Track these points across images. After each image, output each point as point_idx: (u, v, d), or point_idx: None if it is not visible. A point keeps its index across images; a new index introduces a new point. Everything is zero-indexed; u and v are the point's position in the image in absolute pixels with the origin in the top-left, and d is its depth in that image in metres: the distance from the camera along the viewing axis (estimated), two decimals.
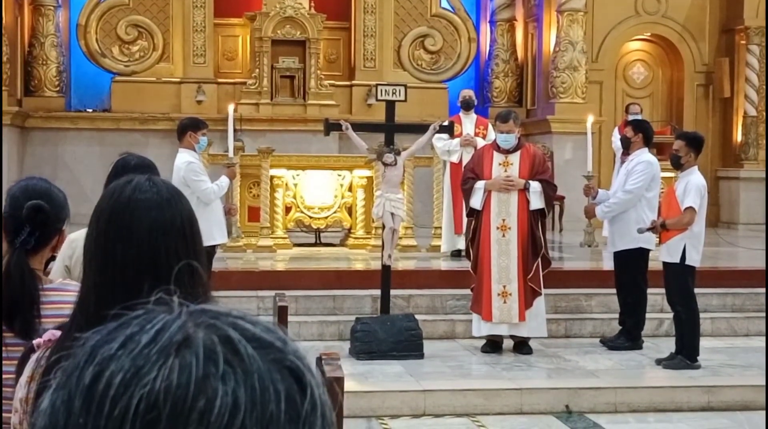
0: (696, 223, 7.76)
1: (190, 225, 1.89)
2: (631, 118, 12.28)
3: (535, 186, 8.12)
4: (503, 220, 8.15)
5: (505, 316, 8.15)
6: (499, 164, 8.21)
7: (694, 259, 7.79)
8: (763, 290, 9.29)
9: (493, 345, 8.35)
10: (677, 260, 7.74)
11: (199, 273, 1.91)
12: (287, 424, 0.69)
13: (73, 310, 1.93)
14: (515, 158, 8.23)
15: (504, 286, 8.14)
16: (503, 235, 8.14)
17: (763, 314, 9.27)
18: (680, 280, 7.78)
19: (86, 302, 1.86)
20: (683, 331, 7.86)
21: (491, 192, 8.19)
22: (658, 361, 7.96)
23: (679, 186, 7.85)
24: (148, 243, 1.83)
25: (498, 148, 8.29)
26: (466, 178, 8.40)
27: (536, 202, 8.13)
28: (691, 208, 7.68)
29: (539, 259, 8.13)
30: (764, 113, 15.44)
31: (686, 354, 7.82)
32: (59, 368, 0.74)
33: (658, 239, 8.18)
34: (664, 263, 7.91)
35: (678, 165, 7.90)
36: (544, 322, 8.33)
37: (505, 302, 8.14)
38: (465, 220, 10.92)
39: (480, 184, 8.20)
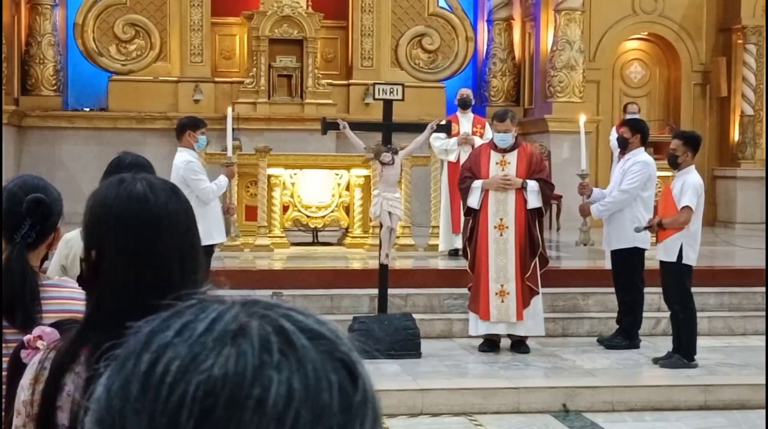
0: (693, 222, 7.76)
1: (193, 220, 1.92)
2: (628, 117, 12.28)
3: (532, 185, 8.11)
4: (501, 219, 8.15)
5: (502, 316, 8.15)
6: (497, 163, 8.20)
7: (690, 259, 7.79)
8: (760, 289, 9.30)
9: (490, 344, 8.35)
10: (674, 259, 7.75)
11: (200, 263, 1.94)
12: (339, 414, 0.70)
13: (86, 310, 1.93)
14: (512, 157, 8.21)
15: (502, 285, 8.13)
16: (501, 235, 8.14)
17: (760, 313, 9.28)
18: (677, 280, 7.79)
19: (108, 303, 1.86)
20: (680, 330, 7.87)
21: (488, 191, 8.17)
22: (656, 360, 7.97)
23: (675, 185, 7.85)
24: (180, 244, 1.86)
25: (495, 147, 8.27)
26: (464, 177, 8.39)
27: (534, 201, 8.13)
28: (687, 207, 7.68)
29: (537, 259, 8.12)
30: (761, 112, 15.45)
31: (683, 353, 7.83)
32: (110, 356, 0.75)
33: (654, 238, 8.18)
34: (661, 262, 7.91)
35: (675, 164, 7.90)
36: (542, 321, 8.33)
37: (502, 301, 8.14)
38: (463, 219, 10.94)
39: (477, 184, 8.19)
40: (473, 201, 8.21)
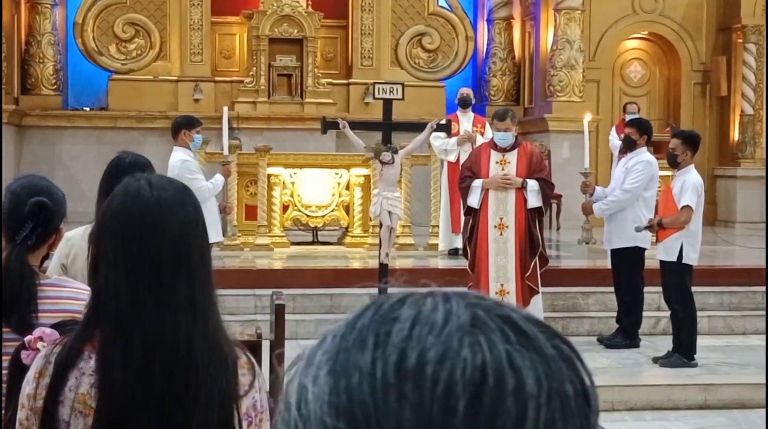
0: (693, 221, 7.76)
1: (202, 217, 1.98)
2: (628, 117, 12.28)
3: (532, 184, 8.08)
4: (501, 218, 8.12)
5: None
6: (497, 163, 8.16)
7: (691, 258, 7.79)
8: (760, 288, 9.30)
9: None
10: (674, 259, 7.74)
11: (211, 263, 1.98)
12: (578, 402, 0.71)
13: (89, 309, 1.95)
14: (512, 157, 8.18)
15: (501, 285, 8.11)
16: (501, 234, 8.11)
17: (760, 313, 9.28)
18: (677, 279, 7.79)
19: (115, 301, 1.88)
20: (680, 329, 7.87)
21: (488, 190, 8.15)
22: (655, 360, 7.97)
23: (675, 184, 7.84)
24: (180, 240, 1.90)
25: (495, 147, 8.24)
26: (464, 176, 8.37)
27: (534, 200, 8.09)
28: (687, 206, 7.67)
29: (537, 258, 8.11)
30: (761, 112, 15.45)
31: (683, 352, 7.83)
32: (296, 357, 0.74)
33: (655, 238, 8.18)
34: (661, 262, 7.91)
35: (675, 163, 7.90)
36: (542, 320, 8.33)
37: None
38: (462, 218, 10.94)
39: (477, 183, 8.16)
40: (473, 200, 8.20)
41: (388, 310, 0.73)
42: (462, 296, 0.74)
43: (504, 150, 8.17)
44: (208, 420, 1.89)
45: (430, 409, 0.68)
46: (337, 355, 0.72)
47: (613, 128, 12.98)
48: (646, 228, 8.01)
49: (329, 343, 0.73)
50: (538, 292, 8.18)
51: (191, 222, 1.92)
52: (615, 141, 12.61)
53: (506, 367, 0.69)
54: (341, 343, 0.72)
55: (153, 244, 1.88)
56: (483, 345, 0.69)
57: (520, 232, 8.08)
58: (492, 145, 8.33)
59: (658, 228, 7.81)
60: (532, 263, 8.10)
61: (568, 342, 0.74)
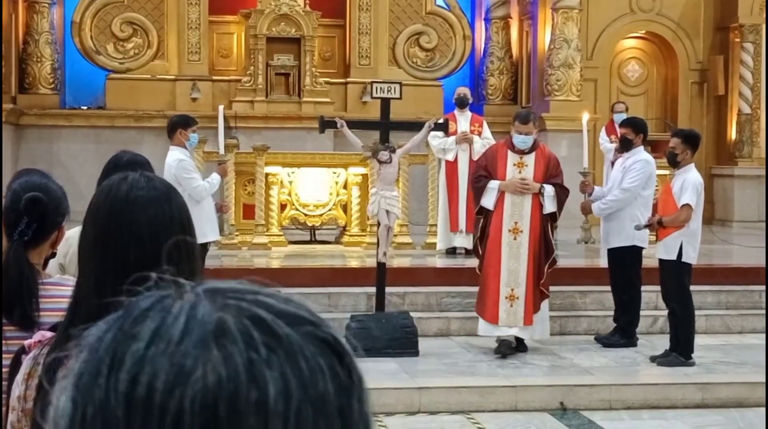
0: (693, 220, 7.76)
1: (187, 219, 1.93)
2: (616, 116, 12.29)
3: (549, 190, 7.95)
4: (516, 222, 7.98)
5: (511, 320, 7.99)
6: (514, 165, 8.00)
7: (690, 257, 7.79)
8: (758, 287, 9.32)
9: (505, 346, 8.06)
10: (674, 257, 7.75)
11: (198, 264, 1.95)
12: (337, 398, 0.67)
13: (69, 305, 1.94)
14: (530, 160, 8.02)
15: (512, 289, 7.98)
16: (515, 238, 7.97)
17: (757, 311, 9.30)
18: (676, 278, 7.79)
19: (87, 298, 1.88)
20: (678, 328, 7.87)
21: (504, 193, 8.00)
22: (653, 359, 7.97)
23: (675, 183, 7.85)
24: (149, 238, 1.87)
25: (513, 148, 8.06)
26: (478, 175, 8.19)
27: (550, 206, 7.97)
28: (687, 205, 7.68)
29: (552, 261, 8.08)
30: (759, 111, 15.47)
31: (681, 351, 7.83)
32: (64, 369, 0.70)
33: (655, 237, 8.18)
34: (660, 260, 7.92)
35: (674, 162, 7.90)
36: (548, 324, 8.28)
37: (511, 306, 7.98)
38: (460, 217, 10.94)
39: (494, 184, 7.98)
40: (488, 201, 8.02)
41: (131, 324, 0.67)
42: (216, 294, 0.68)
43: (522, 152, 8.02)
44: None
45: None
46: (79, 377, 0.67)
47: (603, 130, 12.92)
48: (645, 226, 8.02)
49: (81, 357, 0.68)
50: (548, 296, 8.16)
51: (164, 221, 1.89)
52: (606, 144, 12.59)
53: (244, 383, 0.63)
54: (84, 365, 0.67)
55: (120, 240, 1.87)
56: (218, 362, 0.63)
57: (534, 238, 7.98)
58: (509, 145, 8.14)
59: (658, 226, 7.81)
60: (546, 269, 8.01)
61: (334, 334, 0.69)
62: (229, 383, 0.63)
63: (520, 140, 8.01)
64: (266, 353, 0.65)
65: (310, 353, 0.66)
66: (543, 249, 7.97)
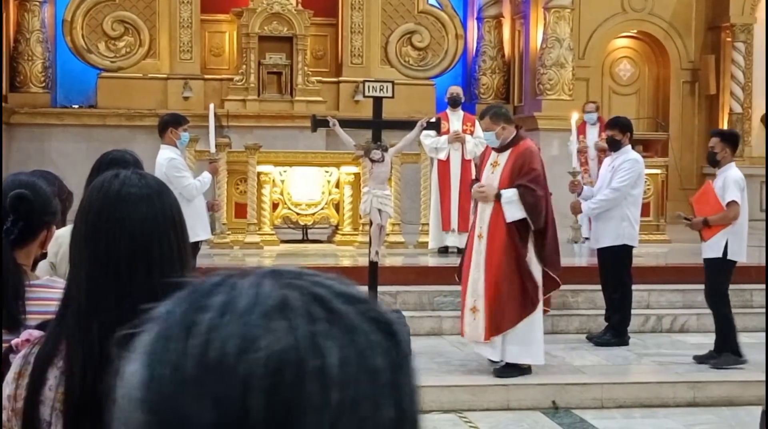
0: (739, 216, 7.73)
1: (178, 216, 1.94)
2: (587, 116, 12.34)
3: (508, 196, 7.19)
4: (481, 228, 7.45)
5: (473, 334, 7.46)
6: (491, 164, 7.55)
7: (736, 253, 7.72)
8: (749, 286, 9.34)
9: (497, 370, 7.48)
10: (719, 255, 7.69)
11: (189, 261, 1.95)
12: (389, 373, 0.71)
13: (60, 303, 1.94)
14: (504, 158, 7.42)
15: (474, 301, 7.39)
16: (479, 246, 7.42)
17: (749, 310, 9.32)
18: (719, 276, 7.72)
19: (77, 295, 1.88)
20: (722, 327, 7.75)
21: None
22: (699, 359, 7.79)
23: (717, 182, 7.81)
24: (140, 235, 1.87)
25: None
26: (474, 178, 8.07)
27: (512, 212, 7.18)
28: (734, 202, 7.64)
29: (533, 277, 7.25)
30: (750, 110, 15.51)
31: (730, 350, 7.74)
32: (127, 341, 0.74)
33: (700, 238, 7.94)
34: (706, 260, 7.84)
35: (714, 162, 7.89)
36: (538, 347, 7.37)
37: (474, 318, 7.39)
38: (452, 216, 10.95)
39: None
40: (471, 206, 7.86)
41: (202, 296, 0.73)
42: (278, 275, 0.74)
43: (498, 150, 7.52)
44: None
45: (229, 403, 0.68)
46: (151, 346, 0.72)
47: (573, 133, 12.89)
48: (685, 220, 7.89)
49: (150, 331, 0.73)
50: (530, 315, 7.25)
51: (155, 218, 1.90)
52: (572, 146, 12.61)
53: (308, 351, 0.69)
54: (157, 332, 0.72)
55: (111, 237, 1.87)
56: (285, 331, 0.69)
57: (497, 247, 7.26)
58: None
59: (703, 227, 7.70)
60: (521, 282, 7.20)
61: (386, 313, 0.74)
62: (294, 351, 0.69)
63: (485, 138, 7.72)
64: (326, 327, 0.70)
65: (364, 329, 0.71)
66: (514, 260, 7.20)
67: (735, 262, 7.76)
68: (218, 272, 0.76)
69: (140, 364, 0.71)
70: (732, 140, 7.88)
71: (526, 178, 7.23)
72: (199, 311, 0.71)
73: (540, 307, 7.35)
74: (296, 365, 0.68)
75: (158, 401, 0.69)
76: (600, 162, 11.82)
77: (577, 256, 11.26)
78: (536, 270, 7.28)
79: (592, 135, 12.46)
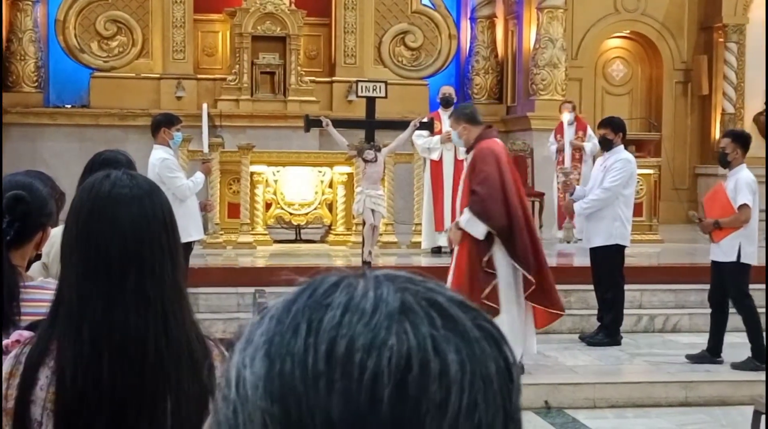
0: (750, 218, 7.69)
1: (170, 216, 1.94)
2: (563, 118, 12.36)
3: (464, 218, 7.02)
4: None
5: None
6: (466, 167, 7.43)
7: (749, 256, 7.66)
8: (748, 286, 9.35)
9: None
10: (733, 259, 7.62)
11: (181, 261, 1.95)
12: (499, 379, 0.74)
13: (52, 304, 1.94)
14: (469, 159, 7.23)
15: None
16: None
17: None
18: (737, 279, 7.64)
19: (68, 296, 1.88)
20: (747, 330, 7.70)
21: None
22: (734, 365, 7.76)
23: (729, 184, 7.75)
24: (131, 235, 1.87)
25: None
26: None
27: (475, 229, 6.99)
28: (745, 204, 7.57)
29: (479, 279, 7.03)
30: (742, 110, 15.55)
31: (754, 354, 7.69)
32: (242, 336, 0.76)
33: (709, 240, 7.88)
34: (716, 263, 7.78)
35: (725, 163, 7.82)
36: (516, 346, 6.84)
37: None
38: (445, 216, 10.95)
39: None
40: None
41: (321, 295, 0.75)
42: (392, 279, 0.76)
43: (467, 151, 7.31)
44: (162, 422, 1.87)
45: (357, 396, 0.70)
46: (272, 339, 0.73)
47: (552, 134, 12.94)
48: (699, 220, 7.87)
49: (267, 324, 0.75)
50: (498, 312, 6.97)
51: (146, 218, 1.90)
52: (551, 146, 12.70)
53: (431, 353, 0.71)
54: (277, 326, 0.74)
55: (102, 237, 1.88)
56: (409, 332, 0.72)
57: (460, 253, 7.17)
58: None
59: (714, 229, 7.64)
60: (478, 281, 7.03)
61: (493, 322, 0.77)
62: (419, 351, 0.71)
63: (453, 139, 7.58)
64: (444, 332, 0.73)
65: (477, 337, 0.74)
66: (465, 264, 7.10)
67: (749, 264, 7.68)
68: (333, 272, 0.79)
69: (260, 356, 0.73)
70: (743, 141, 7.78)
71: (476, 180, 7.03)
72: (321, 309, 0.73)
73: (506, 308, 7.05)
74: (422, 365, 0.71)
75: (284, 393, 0.71)
76: (575, 160, 11.93)
77: (568, 256, 11.27)
78: (504, 272, 7.06)
79: (569, 135, 12.46)
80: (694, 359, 7.88)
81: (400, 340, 0.71)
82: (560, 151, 12.39)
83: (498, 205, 7.00)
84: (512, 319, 7.08)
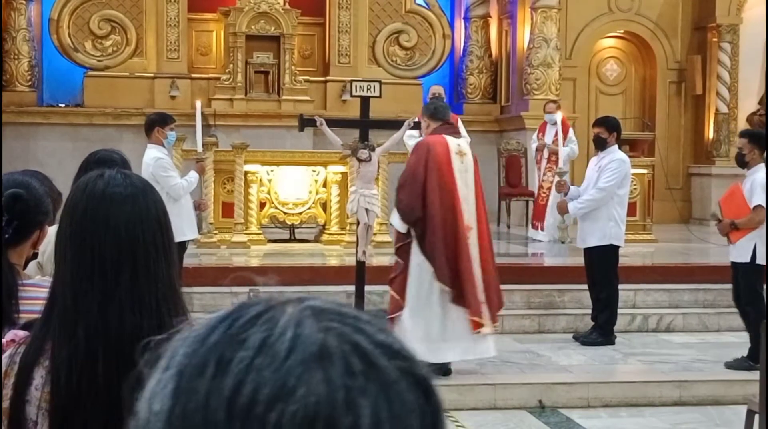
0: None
1: (164, 215, 1.94)
2: (547, 116, 12.37)
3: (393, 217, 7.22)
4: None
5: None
6: None
7: (763, 258, 7.60)
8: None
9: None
10: (747, 259, 7.60)
11: (175, 261, 1.95)
12: None
13: (46, 303, 1.94)
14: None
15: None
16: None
17: (734, 309, 9.33)
18: (749, 280, 7.62)
19: (62, 295, 1.88)
20: (752, 330, 7.63)
21: None
22: (728, 365, 7.73)
23: (745, 184, 7.71)
24: (126, 234, 1.87)
25: None
26: None
27: (395, 222, 7.15)
28: (760, 206, 7.52)
29: (396, 281, 7.11)
30: (736, 110, 15.58)
31: (750, 355, 7.61)
32: (152, 358, 0.72)
33: (726, 240, 7.85)
34: (733, 263, 7.79)
35: (743, 163, 7.79)
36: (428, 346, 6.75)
37: None
38: None
39: None
40: None
41: (239, 328, 0.70)
42: (319, 314, 0.71)
43: None
44: None
45: None
46: (183, 371, 0.70)
47: (535, 134, 12.96)
48: (715, 220, 7.84)
49: (181, 355, 0.71)
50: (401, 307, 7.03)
51: (140, 218, 1.90)
52: (533, 144, 12.74)
53: (342, 406, 0.66)
54: (189, 360, 0.70)
55: (96, 236, 1.88)
56: (321, 383, 0.66)
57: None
58: None
59: (731, 229, 7.61)
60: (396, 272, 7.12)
61: (422, 369, 0.72)
62: (328, 406, 0.66)
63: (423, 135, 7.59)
64: (362, 382, 0.67)
65: (402, 388, 0.68)
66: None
67: (763, 265, 7.65)
68: (259, 297, 0.73)
69: (169, 390, 0.70)
70: (760, 141, 7.71)
71: (401, 178, 7.10)
72: (236, 345, 0.69)
73: (423, 304, 6.99)
74: (328, 421, 0.65)
75: None
76: (550, 162, 11.95)
77: (563, 255, 11.28)
78: (419, 268, 6.99)
79: (550, 135, 12.46)
80: (733, 366, 7.71)
81: (309, 391, 0.66)
82: (539, 149, 12.43)
83: (412, 198, 6.92)
84: (429, 318, 6.99)
